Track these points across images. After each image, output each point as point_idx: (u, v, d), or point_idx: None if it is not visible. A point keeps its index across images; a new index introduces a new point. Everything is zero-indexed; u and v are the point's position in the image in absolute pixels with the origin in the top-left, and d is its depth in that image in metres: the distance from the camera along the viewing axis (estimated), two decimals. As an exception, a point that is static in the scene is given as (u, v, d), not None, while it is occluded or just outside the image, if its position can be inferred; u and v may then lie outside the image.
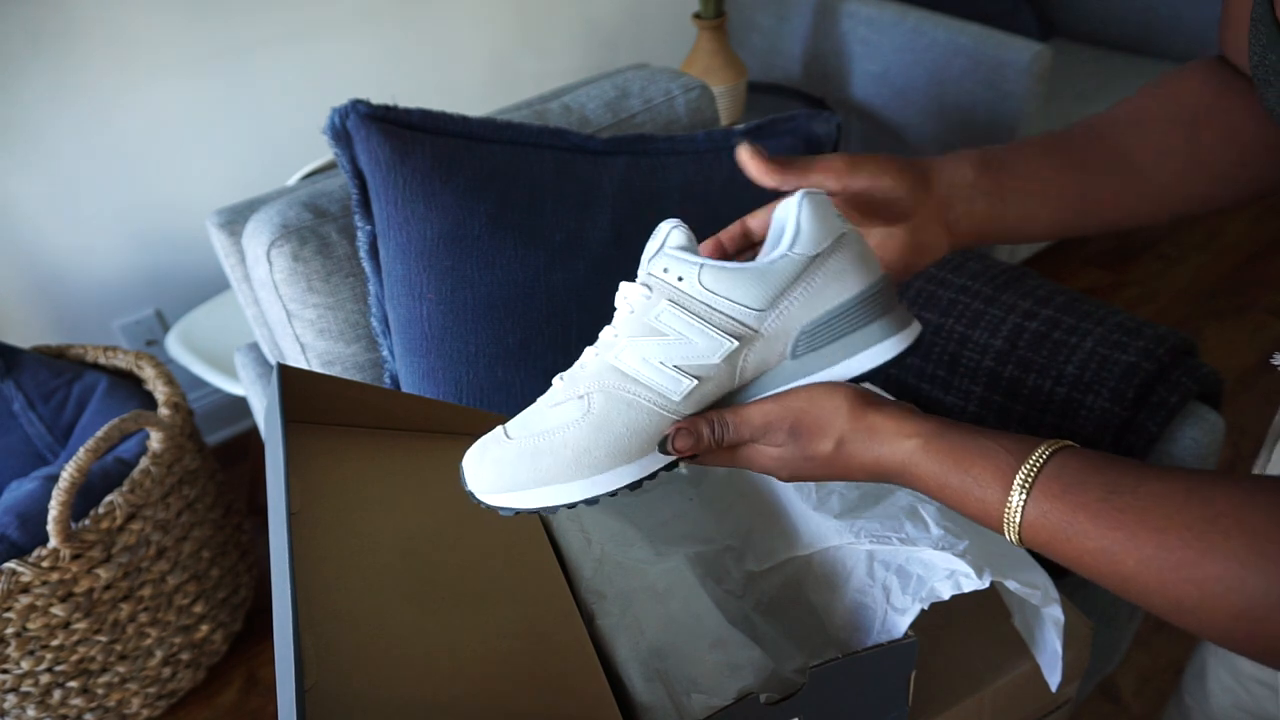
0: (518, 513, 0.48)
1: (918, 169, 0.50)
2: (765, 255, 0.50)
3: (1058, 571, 0.70)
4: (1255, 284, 2.14)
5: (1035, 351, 1.02)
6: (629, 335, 0.47)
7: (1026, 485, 0.40)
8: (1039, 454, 0.41)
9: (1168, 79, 0.56)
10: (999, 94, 1.70)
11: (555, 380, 0.50)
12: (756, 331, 0.47)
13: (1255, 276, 2.17)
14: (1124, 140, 0.54)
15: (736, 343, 0.46)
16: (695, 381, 0.47)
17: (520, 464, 0.47)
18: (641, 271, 0.49)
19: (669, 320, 0.47)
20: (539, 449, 0.47)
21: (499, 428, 0.50)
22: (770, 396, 0.48)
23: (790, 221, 0.47)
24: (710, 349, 0.46)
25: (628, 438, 0.47)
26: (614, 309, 0.49)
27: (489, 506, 0.49)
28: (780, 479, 0.50)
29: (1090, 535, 0.39)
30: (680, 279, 0.46)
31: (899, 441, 0.45)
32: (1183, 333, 1.01)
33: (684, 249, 0.48)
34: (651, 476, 0.49)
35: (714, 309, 0.46)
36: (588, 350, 0.50)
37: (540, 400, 0.50)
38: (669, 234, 0.48)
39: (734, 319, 0.46)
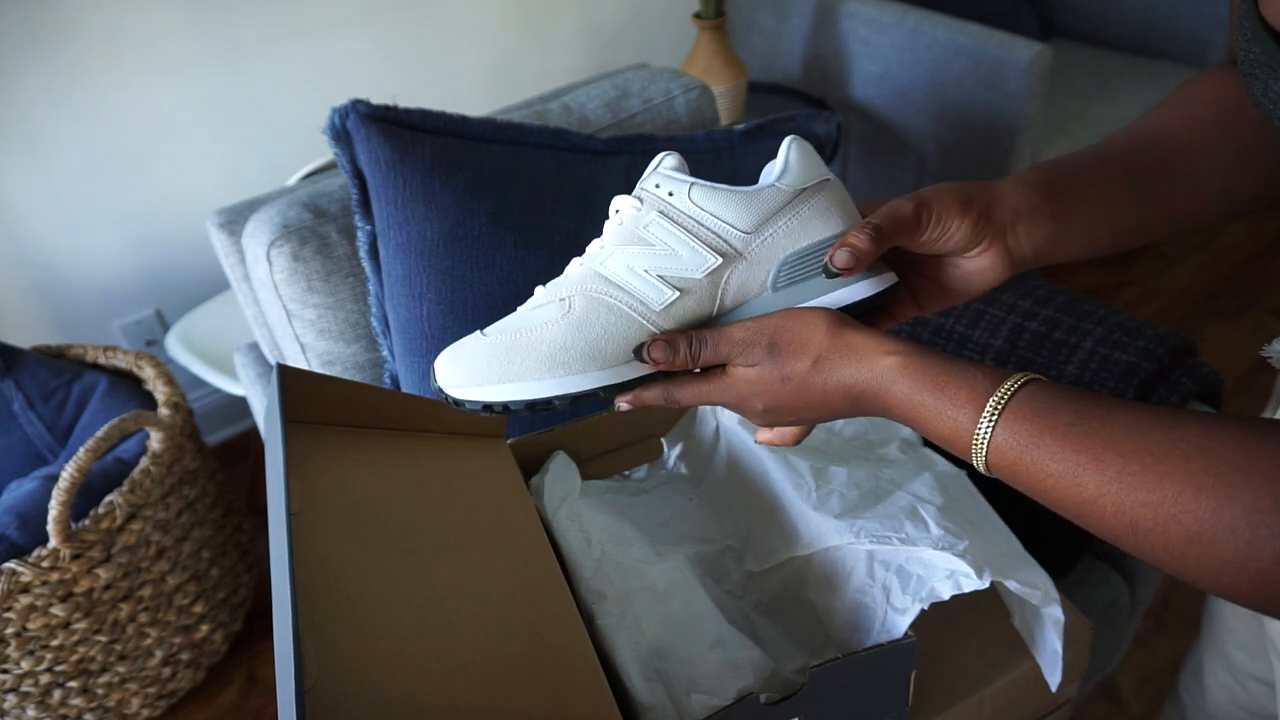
0: (486, 407, 0.47)
1: (980, 203, 0.49)
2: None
3: (1058, 571, 0.70)
4: (1255, 284, 2.14)
5: (1035, 351, 1.02)
6: (616, 244, 0.49)
7: (999, 408, 0.41)
8: (1013, 380, 0.42)
9: (1190, 85, 0.56)
10: (999, 94, 1.70)
11: (537, 288, 0.50)
12: (740, 253, 0.48)
13: (1255, 276, 2.17)
14: (1169, 146, 0.54)
15: (720, 259, 0.48)
16: (677, 294, 0.48)
17: (493, 359, 0.47)
18: (635, 190, 0.50)
19: (657, 231, 0.48)
20: (514, 344, 0.47)
21: (475, 331, 0.50)
22: (750, 318, 0.49)
23: (779, 159, 0.49)
24: (695, 263, 0.48)
25: (604, 340, 0.47)
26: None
27: (455, 401, 0.48)
28: (756, 418, 0.50)
29: (1055, 458, 0.39)
30: (671, 194, 0.48)
31: (877, 359, 0.45)
32: (1183, 333, 1.01)
33: (676, 169, 0.49)
34: (620, 390, 0.48)
35: (701, 224, 0.48)
36: (573, 260, 0.51)
37: (521, 306, 0.50)
38: (663, 159, 0.50)
39: (720, 236, 0.48)
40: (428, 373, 0.91)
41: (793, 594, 0.66)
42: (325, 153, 1.42)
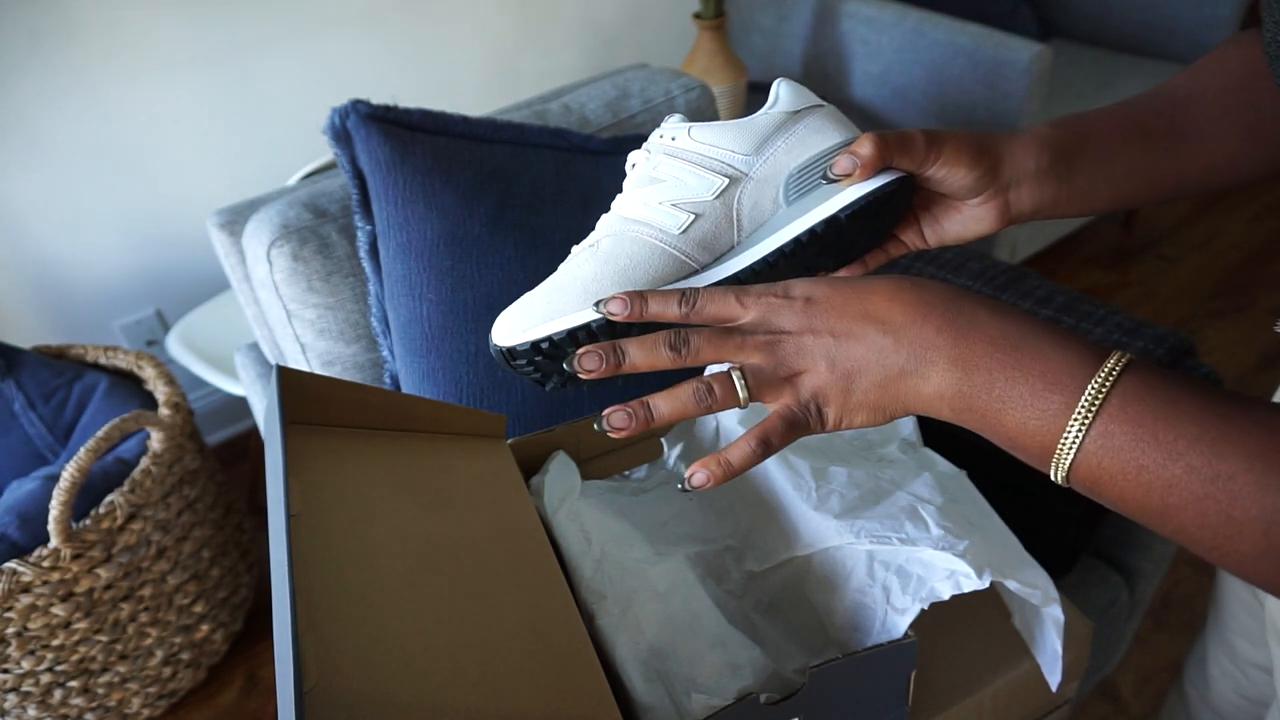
0: (534, 346, 0.50)
1: (991, 157, 0.50)
2: None
3: (1057, 571, 0.71)
4: (1255, 284, 2.14)
5: (1035, 351, 1.02)
6: (632, 188, 0.53)
7: (1115, 374, 0.37)
8: (1113, 362, 0.37)
9: (1221, 49, 0.56)
10: (999, 94, 1.70)
11: (573, 247, 0.54)
12: (745, 174, 0.51)
13: (1255, 276, 2.17)
14: (1184, 108, 0.54)
15: (726, 180, 0.51)
16: (692, 217, 0.51)
17: (534, 304, 0.51)
18: (644, 144, 0.55)
19: (666, 169, 0.52)
20: (551, 288, 0.52)
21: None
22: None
23: (770, 96, 0.53)
24: (703, 187, 0.51)
25: (631, 268, 0.51)
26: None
27: (509, 350, 0.51)
28: (804, 339, 0.43)
29: (1193, 419, 0.35)
30: (674, 138, 0.53)
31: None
32: (1183, 333, 1.01)
33: (679, 119, 0.54)
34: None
35: (705, 155, 0.52)
36: (600, 217, 0.55)
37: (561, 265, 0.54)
38: (667, 116, 0.54)
39: (723, 162, 0.51)
40: (428, 372, 0.91)
41: (793, 594, 0.66)
42: (325, 153, 1.42)
